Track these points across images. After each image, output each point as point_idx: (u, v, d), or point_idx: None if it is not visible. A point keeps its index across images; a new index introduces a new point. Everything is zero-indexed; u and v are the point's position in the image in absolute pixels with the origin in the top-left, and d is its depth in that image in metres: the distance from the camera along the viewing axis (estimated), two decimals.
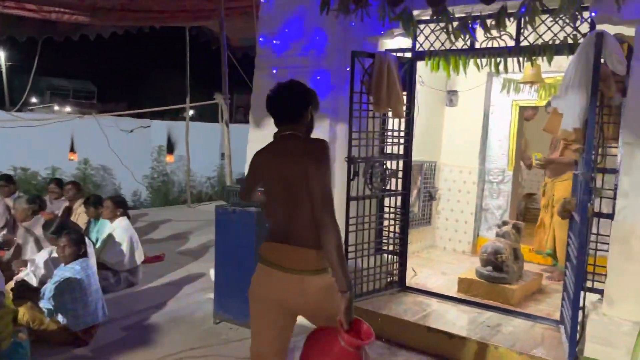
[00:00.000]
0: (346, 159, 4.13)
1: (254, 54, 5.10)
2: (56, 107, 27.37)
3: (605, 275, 3.53)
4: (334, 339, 2.18)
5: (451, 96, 6.17)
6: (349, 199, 4.16)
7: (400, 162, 4.54)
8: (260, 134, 4.87)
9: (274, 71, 4.73)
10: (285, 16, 4.66)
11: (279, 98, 2.46)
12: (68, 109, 27.20)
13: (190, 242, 7.24)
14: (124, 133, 10.16)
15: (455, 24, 3.85)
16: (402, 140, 4.52)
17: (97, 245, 5.10)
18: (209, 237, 7.15)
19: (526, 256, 5.19)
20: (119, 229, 5.17)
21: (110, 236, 5.11)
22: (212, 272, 4.69)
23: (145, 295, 5.01)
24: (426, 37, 4.30)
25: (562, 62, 3.97)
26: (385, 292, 4.49)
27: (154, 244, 6.87)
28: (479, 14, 3.74)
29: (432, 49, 4.27)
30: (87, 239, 4.20)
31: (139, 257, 5.28)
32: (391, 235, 4.68)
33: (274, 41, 4.76)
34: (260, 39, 4.89)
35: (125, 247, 5.09)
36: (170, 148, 11.18)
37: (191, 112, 10.96)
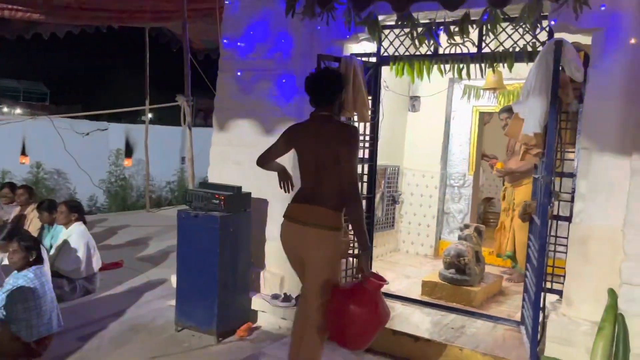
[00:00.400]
0: None
1: (216, 56, 5.02)
2: (5, 109, 26.23)
3: (564, 276, 3.64)
4: (359, 288, 2.78)
5: (414, 102, 6.26)
6: None
7: (366, 166, 4.55)
8: (225, 137, 4.80)
9: (239, 73, 4.67)
10: (250, 18, 4.61)
11: (319, 82, 2.93)
12: (18, 110, 26.11)
13: (150, 248, 7.05)
14: (80, 136, 9.83)
15: (419, 29, 3.91)
16: (367, 145, 4.53)
17: (51, 252, 4.88)
18: (169, 242, 6.99)
19: (486, 259, 5.30)
20: (75, 234, 4.97)
21: (65, 242, 4.91)
22: (173, 278, 4.57)
23: (103, 304, 4.84)
24: (391, 42, 4.34)
25: (522, 69, 4.09)
26: None
27: (111, 250, 6.65)
28: (443, 20, 3.80)
29: (396, 54, 4.31)
30: (41, 246, 4.01)
31: (96, 263, 5.09)
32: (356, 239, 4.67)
33: (239, 43, 4.70)
34: (224, 41, 4.81)
35: (81, 254, 4.89)
36: (129, 152, 10.88)
37: (150, 115, 10.71)
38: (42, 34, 7.38)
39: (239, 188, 4.24)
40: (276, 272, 4.55)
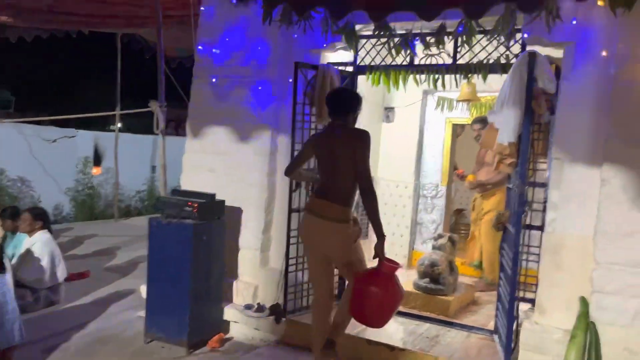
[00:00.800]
0: None
1: (190, 64, 4.95)
2: None
3: (536, 285, 3.69)
4: (376, 272, 3.18)
5: (388, 112, 6.29)
6: (290, 211, 4.10)
7: None
8: (198, 144, 4.72)
9: (214, 80, 4.61)
10: (226, 25, 4.57)
11: (340, 98, 3.48)
12: None
13: (118, 258, 6.86)
14: (46, 143, 9.55)
15: (396, 39, 3.95)
16: None
17: (14, 261, 4.68)
18: (138, 252, 6.82)
19: (460, 269, 5.33)
20: (39, 243, 4.79)
21: (28, 251, 4.72)
22: (143, 289, 4.44)
23: (68, 315, 4.66)
24: (367, 52, 4.36)
25: (495, 82, 4.15)
26: None
27: (78, 260, 6.44)
28: (419, 31, 3.85)
29: (373, 63, 4.33)
30: (3, 254, 3.84)
31: (61, 273, 4.90)
32: None
33: (214, 50, 4.65)
34: (200, 47, 4.76)
35: (45, 263, 4.71)
36: (97, 160, 10.58)
37: (119, 125, 10.47)
38: (9, 38, 7.17)
39: (213, 195, 4.17)
40: (249, 282, 4.47)
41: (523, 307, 3.81)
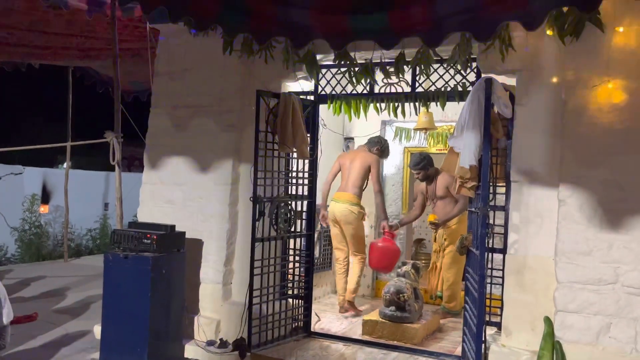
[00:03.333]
0: (251, 199, 4.00)
1: (145, 98, 4.88)
2: None
3: (500, 308, 3.71)
4: (383, 238, 5.08)
5: (348, 142, 6.36)
6: (254, 240, 4.01)
7: (305, 203, 4.50)
8: (156, 175, 4.60)
9: (173, 110, 4.54)
10: (185, 55, 4.53)
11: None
12: None
13: (68, 299, 6.47)
14: None
15: (356, 69, 4.02)
16: (306, 182, 4.50)
17: None
18: (89, 292, 6.47)
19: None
20: None
21: None
22: (97, 329, 4.20)
23: None
24: (328, 82, 4.42)
25: (450, 112, 4.28)
26: (291, 339, 4.32)
27: (24, 303, 6.03)
28: (379, 60, 3.93)
29: (334, 92, 4.38)
30: None
31: (7, 316, 4.53)
32: (296, 278, 4.57)
33: (172, 80, 4.59)
34: (158, 77, 4.69)
35: None
36: (46, 197, 10.13)
37: (70, 163, 10.07)
38: None
39: (172, 227, 4.03)
40: (211, 317, 4.30)
41: (489, 330, 3.83)
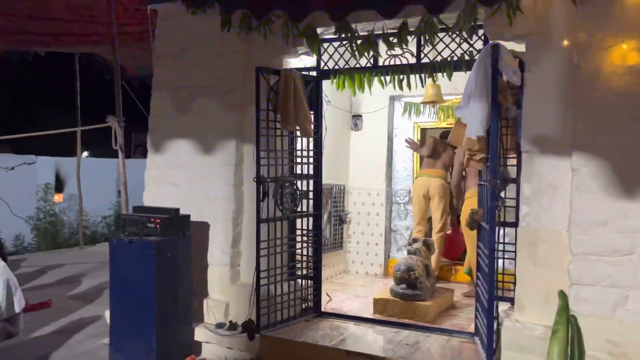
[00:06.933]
0: (254, 179, 3.93)
1: (151, 83, 4.80)
2: None
3: (514, 283, 3.61)
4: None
5: (356, 120, 6.23)
6: (259, 221, 3.95)
7: (311, 182, 4.41)
8: (160, 158, 4.55)
9: (174, 92, 4.46)
10: (185, 35, 4.43)
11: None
12: None
13: (83, 285, 6.54)
14: (4, 171, 9.15)
15: (359, 41, 3.87)
16: (311, 160, 4.41)
17: None
18: (104, 278, 6.48)
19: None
20: None
21: None
22: (108, 314, 4.19)
23: (28, 347, 4.37)
24: (330, 56, 4.29)
25: (459, 83, 4.11)
26: (301, 319, 4.27)
27: (40, 290, 6.10)
28: (381, 31, 3.79)
29: (336, 67, 4.26)
30: None
31: (18, 304, 4.57)
32: (304, 259, 4.51)
33: (173, 61, 4.50)
34: (158, 60, 4.61)
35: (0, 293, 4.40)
36: (59, 186, 10.20)
37: (85, 153, 10.10)
38: None
39: (177, 210, 3.98)
40: (220, 299, 4.27)
41: (503, 306, 3.73)
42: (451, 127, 5.71)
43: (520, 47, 3.54)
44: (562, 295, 3.17)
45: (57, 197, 9.99)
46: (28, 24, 5.75)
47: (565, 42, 3.20)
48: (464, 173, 5.20)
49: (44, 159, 10.12)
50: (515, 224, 3.65)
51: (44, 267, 7.57)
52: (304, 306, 4.40)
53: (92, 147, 14.74)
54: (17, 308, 4.60)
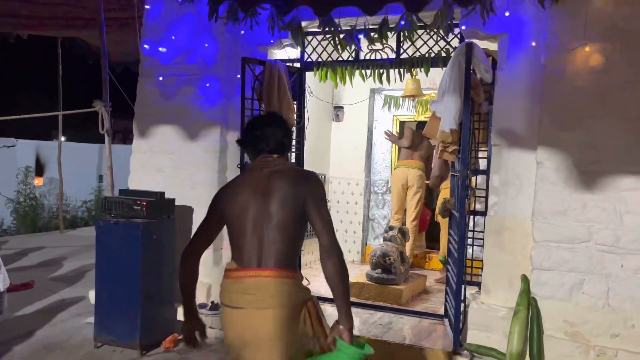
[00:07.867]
0: (238, 166, 4.08)
1: (136, 69, 4.89)
2: None
3: (481, 268, 3.84)
4: None
5: (337, 112, 6.41)
6: None
7: None
8: (146, 143, 4.65)
9: (161, 78, 4.57)
10: (172, 23, 4.54)
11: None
12: None
13: (64, 268, 6.62)
14: None
15: (341, 35, 4.04)
16: (293, 149, 4.57)
17: None
18: (85, 262, 6.62)
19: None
20: None
21: None
22: (91, 295, 4.32)
23: (11, 325, 4.46)
24: (314, 49, 4.44)
25: (437, 78, 4.31)
26: None
27: (21, 272, 6.17)
28: (363, 27, 3.95)
29: (319, 59, 4.41)
30: None
31: (3, 282, 4.66)
32: None
33: (160, 48, 4.60)
34: (145, 46, 4.70)
35: None
36: (40, 170, 10.18)
37: (63, 138, 10.05)
38: None
39: (162, 194, 4.11)
40: (203, 281, 4.42)
41: (471, 290, 3.97)
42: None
43: (493, 46, 3.75)
44: (525, 279, 3.41)
45: (37, 181, 9.96)
46: (12, 6, 5.75)
47: (534, 43, 3.42)
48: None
49: (24, 142, 10.06)
50: (484, 213, 3.89)
51: (25, 249, 7.61)
52: None
53: (70, 131, 14.64)
54: (2, 287, 4.68)
